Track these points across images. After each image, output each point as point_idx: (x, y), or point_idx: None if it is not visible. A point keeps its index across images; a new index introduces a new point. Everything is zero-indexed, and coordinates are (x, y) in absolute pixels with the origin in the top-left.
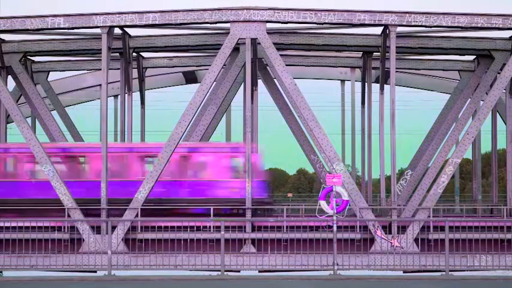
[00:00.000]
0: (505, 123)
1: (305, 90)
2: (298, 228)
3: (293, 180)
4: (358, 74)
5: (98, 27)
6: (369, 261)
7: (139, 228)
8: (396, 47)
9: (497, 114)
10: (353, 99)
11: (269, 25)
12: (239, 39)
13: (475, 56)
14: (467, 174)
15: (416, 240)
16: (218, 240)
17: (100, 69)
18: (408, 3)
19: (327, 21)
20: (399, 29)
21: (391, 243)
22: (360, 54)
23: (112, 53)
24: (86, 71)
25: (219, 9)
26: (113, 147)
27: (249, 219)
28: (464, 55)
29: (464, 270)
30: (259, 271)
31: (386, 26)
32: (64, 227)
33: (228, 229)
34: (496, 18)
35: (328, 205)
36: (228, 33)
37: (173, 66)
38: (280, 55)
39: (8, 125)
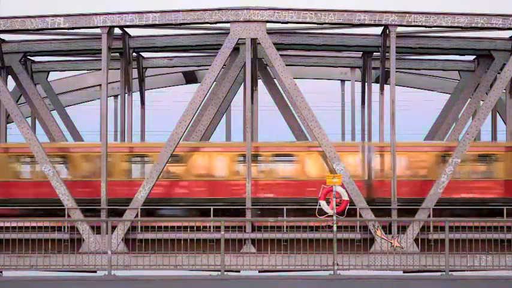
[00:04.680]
0: (505, 123)
1: (305, 90)
2: (298, 228)
3: None
4: (358, 74)
5: (98, 27)
6: (369, 261)
7: (139, 228)
8: (396, 47)
9: (497, 114)
10: (353, 99)
11: (269, 25)
12: (239, 39)
13: (475, 56)
14: None
15: (416, 240)
16: (218, 240)
17: (100, 69)
18: (408, 3)
19: (326, 21)
20: (399, 29)
21: (391, 243)
22: (359, 54)
23: (112, 53)
24: (86, 71)
25: (219, 9)
26: None
27: (249, 219)
28: (464, 55)
29: (464, 270)
30: (259, 271)
31: (386, 26)
32: (64, 227)
33: (228, 229)
34: (496, 18)
35: (328, 205)
36: (228, 33)
37: (173, 66)
38: (280, 55)
39: (8, 125)
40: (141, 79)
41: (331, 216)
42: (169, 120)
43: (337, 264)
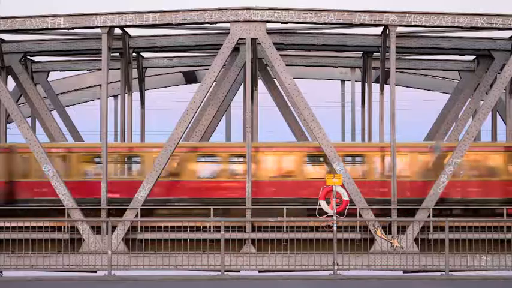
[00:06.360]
0: (505, 123)
1: (305, 90)
2: (298, 228)
3: None
4: (358, 74)
5: (98, 27)
6: (369, 261)
7: (139, 228)
8: (396, 47)
9: (497, 114)
10: (353, 99)
11: (269, 25)
12: (239, 39)
13: (475, 56)
14: None
15: (416, 240)
16: (218, 240)
17: (100, 69)
18: (408, 3)
19: (326, 21)
20: (399, 29)
21: (391, 243)
22: (359, 54)
23: (112, 53)
24: (86, 71)
25: (219, 9)
26: None
27: (249, 219)
28: (464, 55)
29: (464, 270)
30: (259, 271)
31: (386, 26)
32: (64, 227)
33: (228, 229)
34: (496, 18)
35: (328, 205)
36: (228, 33)
37: (173, 66)
38: (280, 55)
39: (8, 125)
40: (141, 79)
41: (331, 216)
42: (169, 120)
43: (337, 264)
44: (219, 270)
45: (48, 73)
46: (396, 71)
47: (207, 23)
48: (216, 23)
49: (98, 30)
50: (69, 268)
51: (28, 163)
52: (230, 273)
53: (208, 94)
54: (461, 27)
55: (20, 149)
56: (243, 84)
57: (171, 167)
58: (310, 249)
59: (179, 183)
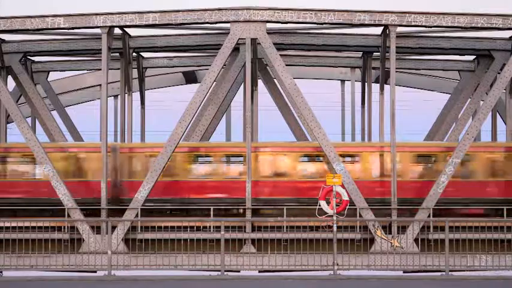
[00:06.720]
0: (505, 123)
1: (305, 90)
2: (298, 228)
3: None
4: (358, 74)
5: (98, 27)
6: (369, 261)
7: (139, 228)
8: (396, 47)
9: (497, 114)
10: (353, 99)
11: (269, 25)
12: (239, 39)
13: (475, 56)
14: None
15: (416, 240)
16: (218, 240)
17: (100, 69)
18: (408, 3)
19: (326, 21)
20: (399, 29)
21: (391, 243)
22: (359, 54)
23: (112, 53)
24: (86, 71)
25: (219, 10)
26: None
27: (249, 219)
28: (464, 55)
29: (464, 270)
30: (259, 271)
31: (386, 26)
32: (64, 227)
33: (228, 229)
34: (496, 18)
35: (328, 205)
36: (228, 33)
37: (173, 66)
38: (280, 55)
39: (8, 125)
40: (141, 79)
41: (331, 216)
42: (169, 120)
43: (337, 264)
44: (219, 270)
45: (48, 73)
46: (396, 71)
47: (207, 23)
48: (216, 23)
49: (98, 30)
50: (69, 268)
51: (132, 163)
52: (230, 273)
53: (208, 94)
54: (461, 27)
55: (123, 148)
56: (243, 84)
57: (277, 168)
58: (310, 249)
59: (283, 183)
